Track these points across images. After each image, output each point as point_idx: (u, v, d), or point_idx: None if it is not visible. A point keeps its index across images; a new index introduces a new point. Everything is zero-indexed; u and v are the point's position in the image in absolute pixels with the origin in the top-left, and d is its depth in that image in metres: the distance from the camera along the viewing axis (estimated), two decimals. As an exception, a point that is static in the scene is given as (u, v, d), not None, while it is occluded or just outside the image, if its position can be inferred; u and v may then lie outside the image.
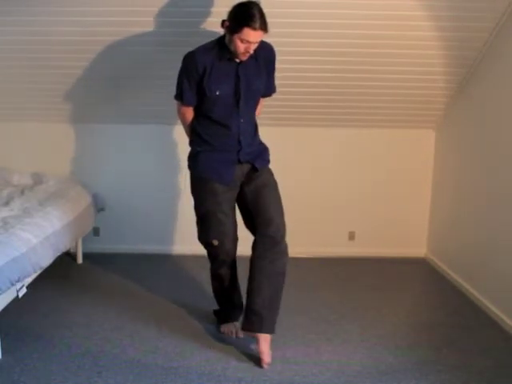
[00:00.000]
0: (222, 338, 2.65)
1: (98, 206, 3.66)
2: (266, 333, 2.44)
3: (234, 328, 2.69)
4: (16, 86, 3.40)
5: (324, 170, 3.85)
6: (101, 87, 3.40)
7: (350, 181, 3.87)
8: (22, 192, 3.31)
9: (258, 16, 2.21)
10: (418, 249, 3.97)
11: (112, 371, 2.32)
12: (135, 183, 3.85)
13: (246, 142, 2.50)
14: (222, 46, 2.38)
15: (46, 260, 2.65)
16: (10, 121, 3.71)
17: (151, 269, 3.62)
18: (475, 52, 3.07)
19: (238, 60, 2.39)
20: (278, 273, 2.48)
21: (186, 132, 2.65)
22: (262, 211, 2.50)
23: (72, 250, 3.67)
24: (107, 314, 2.90)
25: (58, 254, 2.83)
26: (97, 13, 2.82)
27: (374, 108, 3.56)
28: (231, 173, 2.50)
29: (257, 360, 2.42)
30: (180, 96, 2.49)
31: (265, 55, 2.47)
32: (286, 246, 2.51)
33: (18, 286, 2.40)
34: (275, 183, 2.59)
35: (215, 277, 2.69)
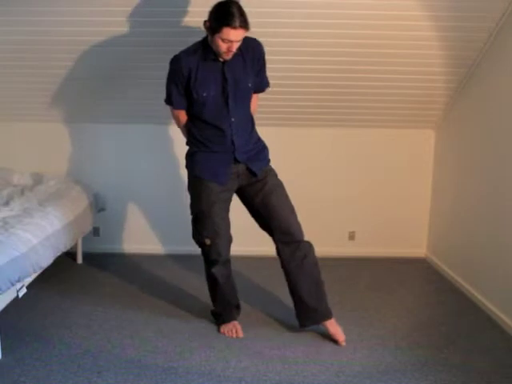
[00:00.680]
0: (221, 338, 2.65)
1: (98, 206, 3.66)
2: (327, 319, 2.61)
3: (233, 328, 2.69)
4: (16, 86, 3.40)
5: (324, 170, 3.85)
6: (101, 87, 3.40)
7: (350, 181, 3.87)
8: (22, 192, 3.31)
9: (237, 15, 2.21)
10: (418, 249, 3.97)
11: (112, 371, 2.32)
12: (135, 183, 3.85)
13: (240, 141, 2.51)
14: (206, 47, 2.39)
15: (46, 260, 2.65)
16: (10, 121, 3.71)
17: (151, 269, 3.62)
18: (475, 52, 3.07)
19: (222, 60, 2.39)
20: (310, 267, 2.61)
21: (183, 133, 2.68)
22: (276, 218, 2.57)
23: (72, 250, 3.67)
24: (107, 314, 2.90)
25: (58, 254, 2.83)
26: (98, 13, 2.82)
27: (373, 108, 3.56)
28: (227, 172, 2.51)
29: (256, 358, 2.44)
30: (169, 100, 2.53)
31: (251, 52, 2.45)
32: (306, 242, 2.62)
33: (18, 286, 2.40)
34: (281, 184, 2.62)
35: (209, 276, 2.70)
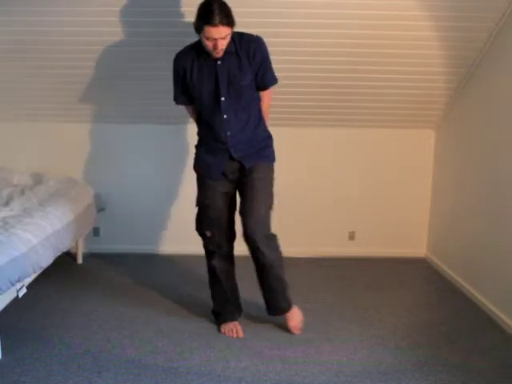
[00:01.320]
0: (222, 338, 2.65)
1: (99, 206, 3.66)
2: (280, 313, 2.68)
3: (234, 328, 2.69)
4: (15, 86, 3.40)
5: (324, 170, 3.85)
6: (102, 87, 3.40)
7: (350, 181, 3.87)
8: (22, 192, 3.30)
9: (216, 12, 2.21)
10: (418, 249, 3.97)
11: (112, 371, 2.32)
12: (135, 183, 3.85)
13: (235, 138, 2.51)
14: (201, 46, 2.40)
15: (46, 260, 2.65)
16: (10, 121, 3.71)
17: (151, 269, 3.62)
18: (475, 52, 3.07)
19: (214, 58, 2.40)
20: (260, 264, 2.57)
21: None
22: (243, 205, 2.56)
23: (72, 250, 3.67)
24: (107, 314, 2.90)
25: (58, 254, 2.83)
26: (98, 13, 2.82)
27: (373, 108, 3.56)
28: (220, 168, 2.56)
29: (256, 358, 2.45)
30: (174, 97, 2.63)
31: (247, 49, 2.43)
32: (255, 237, 2.49)
33: (18, 286, 2.40)
34: (264, 178, 2.58)
35: (209, 269, 2.74)
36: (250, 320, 2.83)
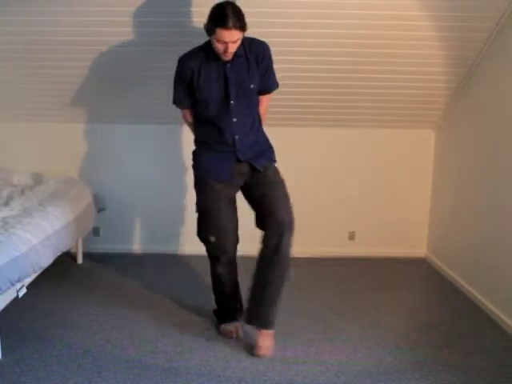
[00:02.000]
0: (221, 338, 2.65)
1: (99, 206, 3.66)
2: (263, 328, 2.51)
3: (234, 328, 2.68)
4: (15, 86, 3.40)
5: (324, 170, 3.85)
6: (101, 87, 3.40)
7: (350, 181, 3.87)
8: (22, 192, 3.30)
9: (230, 15, 2.21)
10: (418, 249, 3.97)
11: (112, 371, 2.32)
12: (135, 183, 3.85)
13: (242, 141, 2.51)
14: (210, 48, 2.39)
15: (46, 260, 2.65)
16: (10, 121, 3.71)
17: (151, 269, 3.62)
18: (475, 52, 3.07)
19: (224, 60, 2.40)
20: (279, 272, 2.48)
21: (192, 131, 2.72)
22: (268, 204, 2.49)
23: (72, 250, 3.67)
24: (107, 314, 2.90)
25: (58, 254, 2.83)
26: (98, 13, 2.82)
27: (373, 108, 3.56)
28: (228, 170, 2.52)
29: (256, 358, 2.45)
30: (174, 100, 2.57)
31: (256, 53, 2.45)
32: (288, 235, 2.45)
33: (18, 286, 2.40)
34: (282, 180, 2.58)
35: (214, 275, 2.70)
36: (250, 320, 2.83)
